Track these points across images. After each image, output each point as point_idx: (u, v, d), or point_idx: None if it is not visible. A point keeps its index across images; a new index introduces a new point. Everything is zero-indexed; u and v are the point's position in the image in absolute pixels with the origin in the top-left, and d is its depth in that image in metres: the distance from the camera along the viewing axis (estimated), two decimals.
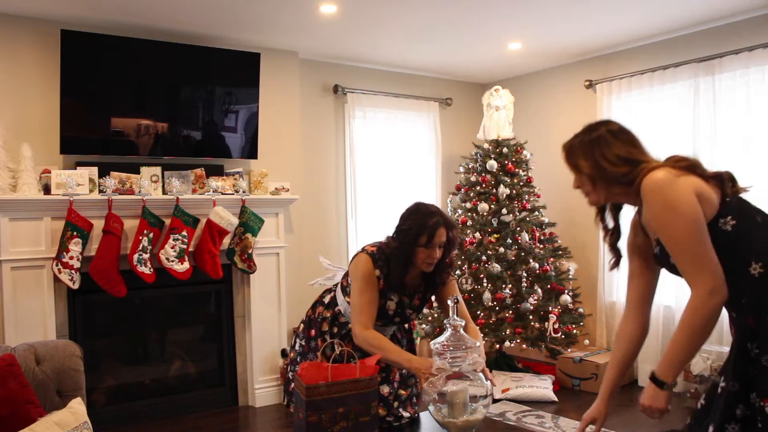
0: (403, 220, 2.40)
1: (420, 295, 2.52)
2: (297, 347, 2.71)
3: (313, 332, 2.64)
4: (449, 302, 2.16)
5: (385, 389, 2.50)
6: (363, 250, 2.50)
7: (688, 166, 1.68)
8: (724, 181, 1.68)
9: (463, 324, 2.14)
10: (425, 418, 2.42)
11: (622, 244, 1.91)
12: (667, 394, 1.67)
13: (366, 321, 2.36)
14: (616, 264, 1.91)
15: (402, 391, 2.56)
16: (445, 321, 2.17)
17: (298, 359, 2.66)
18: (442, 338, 2.12)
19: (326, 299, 2.68)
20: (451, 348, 2.08)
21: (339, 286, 2.65)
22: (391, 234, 2.45)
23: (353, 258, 2.51)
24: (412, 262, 2.37)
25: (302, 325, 2.73)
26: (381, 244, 2.48)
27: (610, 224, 1.87)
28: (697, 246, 1.58)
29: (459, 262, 4.82)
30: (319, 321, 2.62)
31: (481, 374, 2.10)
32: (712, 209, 1.62)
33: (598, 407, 1.90)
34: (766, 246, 1.59)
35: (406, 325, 2.67)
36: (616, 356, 1.92)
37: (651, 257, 1.82)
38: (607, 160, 1.75)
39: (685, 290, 1.66)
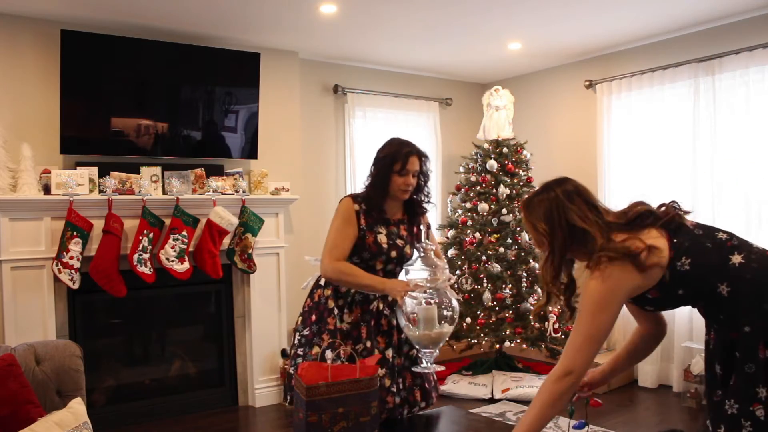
0: (379, 151, 2.61)
1: (405, 227, 2.63)
2: (296, 341, 2.65)
3: (314, 317, 2.59)
4: (422, 227, 2.42)
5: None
6: (344, 197, 2.68)
7: (638, 220, 1.79)
8: (673, 222, 1.79)
9: (433, 247, 2.41)
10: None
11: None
12: None
13: (338, 255, 2.51)
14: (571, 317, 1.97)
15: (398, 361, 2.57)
16: (417, 245, 2.40)
17: (300, 351, 2.59)
18: (414, 260, 2.42)
19: (321, 281, 2.68)
20: (424, 267, 2.32)
21: None
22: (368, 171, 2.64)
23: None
24: (388, 191, 2.55)
25: (300, 318, 2.69)
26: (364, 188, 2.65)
27: (564, 279, 1.90)
28: (589, 335, 1.74)
29: (459, 262, 4.83)
30: (323, 303, 2.60)
31: (449, 291, 2.32)
32: (663, 263, 1.72)
33: (595, 374, 2.06)
34: (725, 265, 1.71)
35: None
36: (627, 345, 2.10)
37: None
38: (561, 226, 1.81)
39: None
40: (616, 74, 4.97)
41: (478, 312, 4.64)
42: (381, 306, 2.57)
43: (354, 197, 2.60)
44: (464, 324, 4.68)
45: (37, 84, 3.87)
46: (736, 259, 1.70)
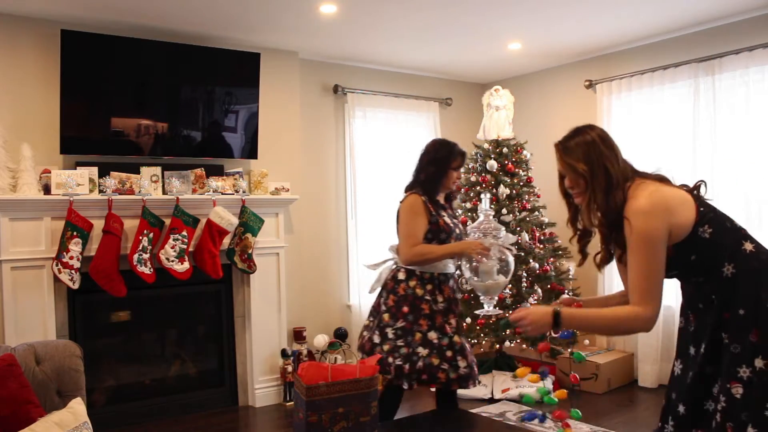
0: (435, 152, 3.01)
1: (449, 209, 3.11)
2: (392, 335, 2.87)
3: (406, 308, 2.89)
4: (483, 197, 2.94)
5: (433, 335, 2.86)
6: (406, 195, 3.02)
7: (664, 179, 1.91)
8: (699, 193, 1.89)
9: (492, 213, 2.91)
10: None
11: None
12: (548, 329, 1.94)
13: (413, 242, 2.87)
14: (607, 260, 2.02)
15: (456, 338, 2.91)
16: (479, 211, 3.02)
17: (401, 342, 2.85)
18: (477, 223, 2.80)
19: (399, 275, 2.96)
20: (490, 227, 2.73)
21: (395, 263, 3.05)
22: (417, 172, 3.05)
23: (401, 203, 3.01)
24: (444, 184, 2.99)
25: (387, 315, 2.93)
26: (414, 188, 3.02)
27: (583, 225, 2.02)
28: (654, 275, 1.79)
29: (459, 262, 4.82)
30: (410, 293, 2.91)
31: (506, 249, 2.70)
32: (689, 219, 1.80)
33: (573, 304, 2.11)
34: (737, 248, 1.79)
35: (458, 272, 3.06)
36: (609, 298, 2.17)
37: None
38: (600, 167, 1.90)
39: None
40: (616, 74, 4.97)
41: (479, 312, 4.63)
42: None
43: (417, 192, 2.97)
44: (464, 324, 4.68)
45: (37, 84, 3.87)
46: (748, 246, 1.79)
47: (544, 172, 5.14)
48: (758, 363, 1.70)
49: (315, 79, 5.12)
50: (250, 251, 4.37)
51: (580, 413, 2.68)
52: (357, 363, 2.17)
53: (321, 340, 4.77)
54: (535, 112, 5.63)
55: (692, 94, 4.48)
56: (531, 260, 4.70)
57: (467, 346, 2.99)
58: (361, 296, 5.19)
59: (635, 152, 4.80)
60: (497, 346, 4.93)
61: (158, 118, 4.17)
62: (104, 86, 3.97)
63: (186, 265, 4.08)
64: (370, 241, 5.23)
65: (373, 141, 5.33)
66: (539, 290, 4.61)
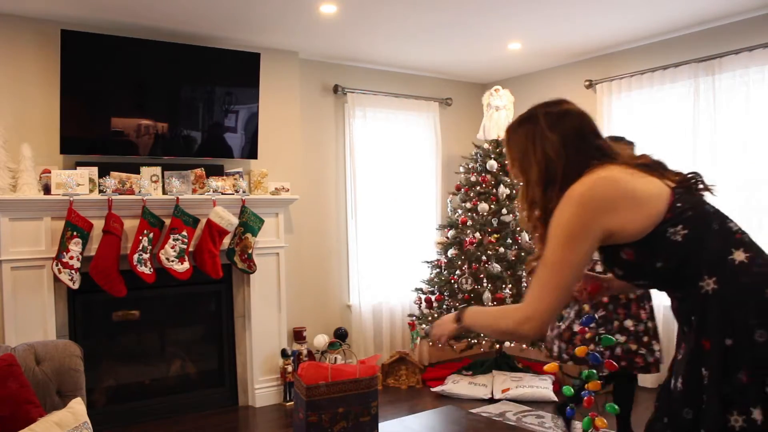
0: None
1: None
2: (593, 325, 3.08)
3: (606, 299, 3.07)
4: None
5: (630, 322, 3.09)
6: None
7: (643, 166, 1.57)
8: (685, 185, 1.54)
9: None
10: None
11: None
12: (456, 329, 1.73)
13: None
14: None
15: (650, 324, 3.13)
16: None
17: (601, 330, 3.07)
18: None
19: (597, 268, 3.11)
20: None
21: None
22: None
23: None
24: None
25: (587, 306, 3.15)
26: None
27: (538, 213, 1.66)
28: (557, 273, 1.48)
29: (459, 262, 4.82)
30: None
31: None
32: (652, 216, 1.46)
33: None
34: (723, 257, 1.43)
35: None
36: None
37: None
38: (538, 160, 1.60)
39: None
40: (616, 74, 4.97)
41: None
42: None
43: None
44: None
45: (37, 84, 3.87)
46: (739, 255, 1.42)
47: None
48: (756, 413, 1.34)
49: (315, 79, 5.12)
50: (250, 251, 4.37)
51: (617, 407, 2.49)
52: (357, 363, 2.17)
53: (321, 340, 4.77)
54: None
55: (692, 94, 4.48)
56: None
57: (659, 330, 3.23)
58: (361, 296, 5.19)
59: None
60: (497, 346, 4.93)
61: (158, 118, 4.17)
62: (104, 86, 3.97)
63: (186, 265, 4.08)
64: (370, 241, 5.24)
65: (373, 141, 5.33)
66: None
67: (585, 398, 2.07)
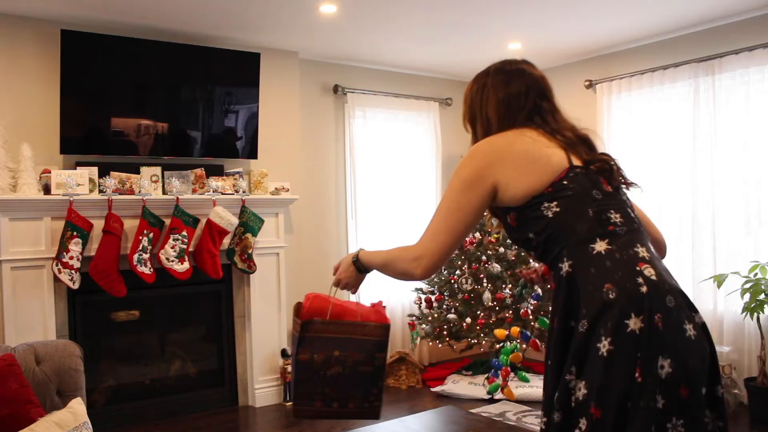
0: None
1: None
2: None
3: None
4: None
5: None
6: None
7: (566, 137, 1.57)
8: (594, 167, 1.50)
9: None
10: None
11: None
12: (359, 276, 1.75)
13: None
14: None
15: None
16: None
17: None
18: None
19: None
20: None
21: None
22: None
23: None
24: None
25: None
26: None
27: None
28: (447, 218, 1.53)
29: (459, 262, 4.83)
30: None
31: None
32: (532, 184, 1.46)
33: None
34: (583, 244, 1.41)
35: None
36: None
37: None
38: (482, 118, 1.65)
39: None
40: (616, 74, 4.97)
41: (478, 312, 4.64)
42: None
43: None
44: (464, 324, 4.68)
45: (37, 84, 3.87)
46: (600, 246, 1.40)
47: None
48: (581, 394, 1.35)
49: (315, 79, 5.12)
50: (250, 251, 4.37)
51: (528, 378, 2.55)
52: (371, 306, 1.91)
53: None
54: None
55: (692, 94, 4.48)
56: (531, 260, 4.70)
57: None
58: (361, 296, 5.18)
59: (635, 152, 4.81)
60: (497, 346, 4.92)
61: (158, 118, 4.17)
62: (104, 86, 3.97)
63: (186, 265, 4.08)
64: (371, 241, 5.24)
65: (373, 141, 5.33)
66: (539, 290, 4.61)
67: (502, 368, 2.05)
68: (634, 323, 1.32)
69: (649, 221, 1.66)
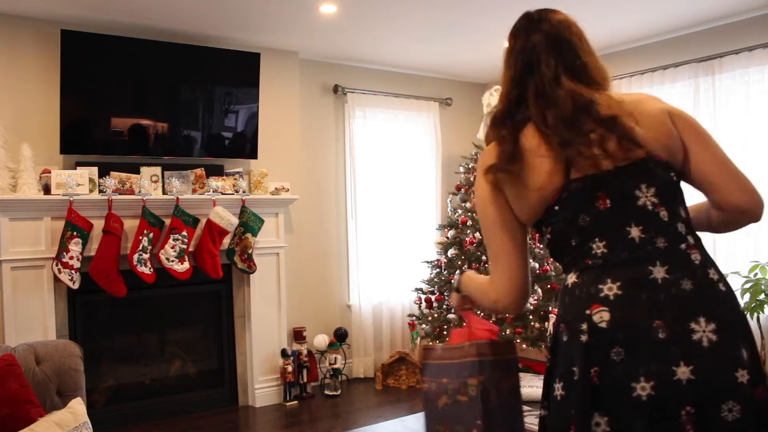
0: None
1: None
2: None
3: None
4: None
5: None
6: None
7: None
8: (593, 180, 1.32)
9: None
10: None
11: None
12: (456, 296, 1.69)
13: None
14: None
15: None
16: None
17: None
18: None
19: None
20: None
21: None
22: None
23: None
24: None
25: None
26: None
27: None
28: (489, 244, 1.43)
29: (459, 262, 4.83)
30: None
31: None
32: (530, 213, 1.39)
33: None
34: (565, 271, 1.39)
35: None
36: None
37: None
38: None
39: None
40: (616, 74, 4.97)
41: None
42: None
43: None
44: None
45: (37, 84, 3.87)
46: (571, 278, 1.35)
47: None
48: (557, 387, 1.34)
49: (315, 79, 5.12)
50: (250, 251, 4.37)
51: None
52: (487, 323, 1.65)
53: (321, 340, 4.77)
54: None
55: (692, 93, 4.48)
56: (531, 260, 4.70)
57: None
58: (361, 296, 5.19)
59: None
60: None
61: (158, 118, 4.16)
62: (104, 86, 3.97)
63: (186, 265, 4.08)
64: (370, 241, 5.24)
65: (373, 141, 5.33)
66: (539, 290, 4.61)
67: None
68: (577, 372, 1.27)
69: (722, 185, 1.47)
